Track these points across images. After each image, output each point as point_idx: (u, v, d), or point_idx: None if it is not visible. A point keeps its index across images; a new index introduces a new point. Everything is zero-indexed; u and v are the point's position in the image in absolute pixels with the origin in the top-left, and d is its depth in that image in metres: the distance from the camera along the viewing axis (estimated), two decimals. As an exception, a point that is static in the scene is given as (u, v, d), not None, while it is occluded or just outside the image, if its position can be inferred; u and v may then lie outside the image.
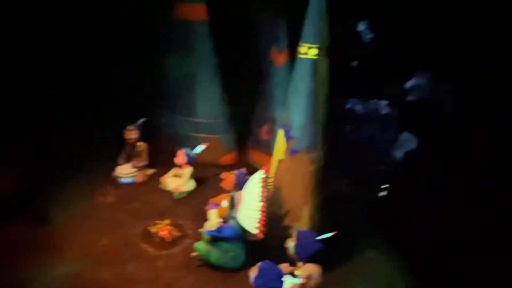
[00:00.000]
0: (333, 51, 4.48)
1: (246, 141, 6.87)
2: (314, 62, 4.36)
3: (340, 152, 7.05)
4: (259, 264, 3.92)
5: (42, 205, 5.49)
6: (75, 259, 4.68)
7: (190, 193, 5.97)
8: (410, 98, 7.32)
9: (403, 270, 4.79)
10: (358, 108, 7.54)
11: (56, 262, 4.61)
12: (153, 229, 5.09)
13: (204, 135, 6.66)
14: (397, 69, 6.88)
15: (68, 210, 5.47)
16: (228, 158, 6.82)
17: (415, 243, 5.22)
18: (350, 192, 6.45)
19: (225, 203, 4.61)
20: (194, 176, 6.13)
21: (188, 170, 5.90)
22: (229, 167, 6.51)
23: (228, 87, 6.68)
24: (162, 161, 6.41)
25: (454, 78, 6.49)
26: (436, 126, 6.64)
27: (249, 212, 4.26)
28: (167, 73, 6.76)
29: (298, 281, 3.88)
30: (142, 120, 6.22)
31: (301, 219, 4.54)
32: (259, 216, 4.17)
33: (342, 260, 4.82)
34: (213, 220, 4.63)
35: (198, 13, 6.33)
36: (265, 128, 6.46)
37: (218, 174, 5.47)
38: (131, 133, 6.11)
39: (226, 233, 4.47)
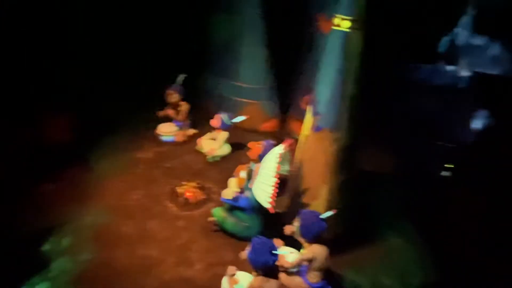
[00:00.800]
0: (372, 24, 4.15)
1: (288, 109, 6.73)
2: (345, 36, 4.07)
3: (393, 126, 6.78)
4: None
5: (87, 156, 5.88)
6: (104, 210, 4.99)
7: (224, 158, 6.04)
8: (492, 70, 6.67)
9: (423, 264, 4.55)
10: (432, 76, 7.05)
11: (86, 211, 4.96)
12: (179, 189, 5.26)
13: (245, 100, 6.65)
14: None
15: (108, 163, 5.82)
16: (269, 125, 6.77)
17: (449, 239, 4.92)
18: (391, 171, 6.17)
19: (243, 174, 4.61)
20: (231, 141, 6.18)
21: (222, 135, 5.94)
22: (269, 135, 6.52)
23: (274, 53, 6.52)
24: (204, 122, 6.51)
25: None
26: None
27: (263, 186, 4.22)
28: (213, 34, 6.72)
29: (287, 252, 3.95)
30: (181, 77, 6.26)
31: (318, 198, 4.42)
32: (272, 192, 4.11)
33: (361, 243, 4.70)
34: (231, 188, 4.67)
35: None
36: (307, 98, 6.25)
37: (256, 141, 5.49)
38: (172, 97, 6.24)
39: (241, 203, 4.50)
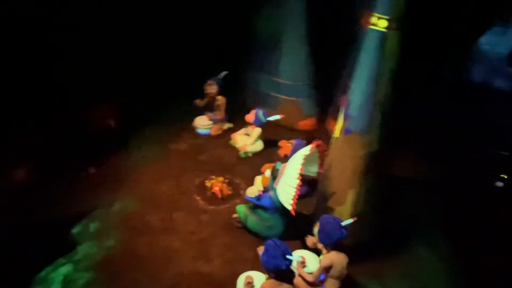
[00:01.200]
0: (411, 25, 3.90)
1: (327, 108, 6.54)
2: (382, 36, 3.85)
3: (441, 131, 6.40)
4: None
5: (126, 144, 6.04)
6: (134, 198, 5.13)
7: (256, 154, 5.98)
8: None
9: (450, 279, 4.27)
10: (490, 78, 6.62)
11: (117, 198, 5.11)
12: (208, 183, 5.26)
13: (283, 96, 6.53)
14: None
15: (144, 152, 5.95)
16: (306, 123, 6.63)
17: (481, 256, 4.59)
18: (431, 178, 5.85)
19: (268, 173, 4.52)
20: (266, 138, 6.10)
21: (256, 131, 5.88)
22: (305, 133, 6.39)
23: (316, 49, 6.35)
24: (242, 117, 6.46)
25: None
26: None
27: (286, 186, 4.11)
28: (256, 27, 6.64)
29: (299, 258, 3.83)
30: (223, 73, 6.27)
31: (344, 203, 4.25)
32: (294, 193, 4.00)
33: (386, 252, 4.48)
34: (255, 186, 4.61)
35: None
36: (346, 97, 6.04)
37: (292, 139, 5.41)
38: (211, 88, 6.24)
39: (264, 202, 4.42)
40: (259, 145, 5.99)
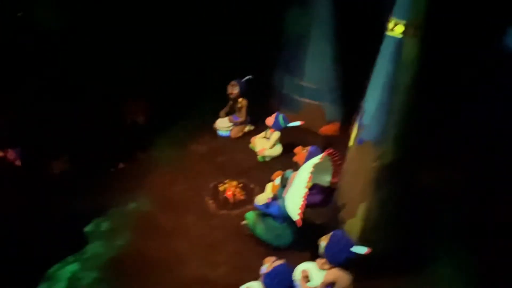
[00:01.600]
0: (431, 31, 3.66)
1: (352, 114, 6.31)
2: (399, 42, 3.64)
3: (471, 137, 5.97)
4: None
5: (148, 144, 6.08)
6: (148, 199, 5.16)
7: (275, 158, 5.86)
8: None
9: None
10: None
11: (132, 197, 5.15)
12: (221, 187, 5.22)
13: (307, 100, 6.37)
14: None
15: (164, 152, 5.97)
16: (329, 128, 6.43)
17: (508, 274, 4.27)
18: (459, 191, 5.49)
19: (278, 180, 4.41)
20: (287, 141, 5.96)
21: (274, 135, 5.76)
22: (328, 139, 6.21)
23: (342, 53, 6.13)
24: (264, 120, 6.35)
25: None
26: None
27: (294, 196, 3.99)
28: (282, 28, 6.50)
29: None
30: (248, 77, 6.20)
31: (355, 216, 4.07)
32: (301, 203, 3.87)
33: (405, 267, 4.23)
34: (266, 194, 4.50)
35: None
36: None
37: (314, 144, 5.28)
38: (233, 88, 6.17)
39: (272, 210, 4.33)
40: (278, 150, 5.87)
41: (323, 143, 5.88)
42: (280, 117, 5.71)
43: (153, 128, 6.30)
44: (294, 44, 6.32)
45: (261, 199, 4.43)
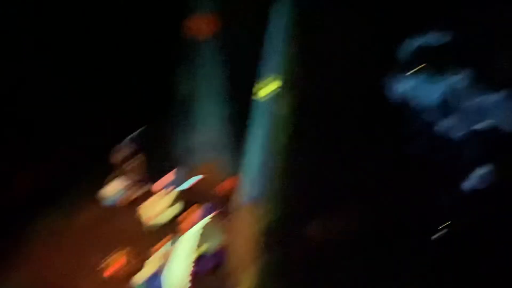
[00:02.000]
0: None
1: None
2: (269, 101, 3.61)
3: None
4: None
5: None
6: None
7: (168, 224, 5.49)
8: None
9: None
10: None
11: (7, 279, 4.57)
12: (107, 261, 4.77)
13: (204, 157, 6.20)
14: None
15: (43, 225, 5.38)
16: (228, 184, 6.25)
17: None
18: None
19: (163, 250, 4.08)
20: (183, 201, 5.65)
21: (168, 197, 5.47)
22: (226, 196, 6.02)
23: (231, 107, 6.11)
24: (156, 180, 6.03)
25: None
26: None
27: (180, 268, 3.67)
28: (175, 86, 6.40)
29: None
30: (138, 131, 5.92)
31: (240, 285, 3.82)
32: (188, 274, 3.56)
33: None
34: (145, 270, 4.10)
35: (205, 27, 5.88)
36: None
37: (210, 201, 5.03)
38: (119, 155, 5.86)
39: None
40: (170, 213, 5.52)
41: (220, 200, 5.68)
42: (179, 174, 5.52)
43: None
44: (186, 102, 6.25)
45: (141, 275, 4.03)
